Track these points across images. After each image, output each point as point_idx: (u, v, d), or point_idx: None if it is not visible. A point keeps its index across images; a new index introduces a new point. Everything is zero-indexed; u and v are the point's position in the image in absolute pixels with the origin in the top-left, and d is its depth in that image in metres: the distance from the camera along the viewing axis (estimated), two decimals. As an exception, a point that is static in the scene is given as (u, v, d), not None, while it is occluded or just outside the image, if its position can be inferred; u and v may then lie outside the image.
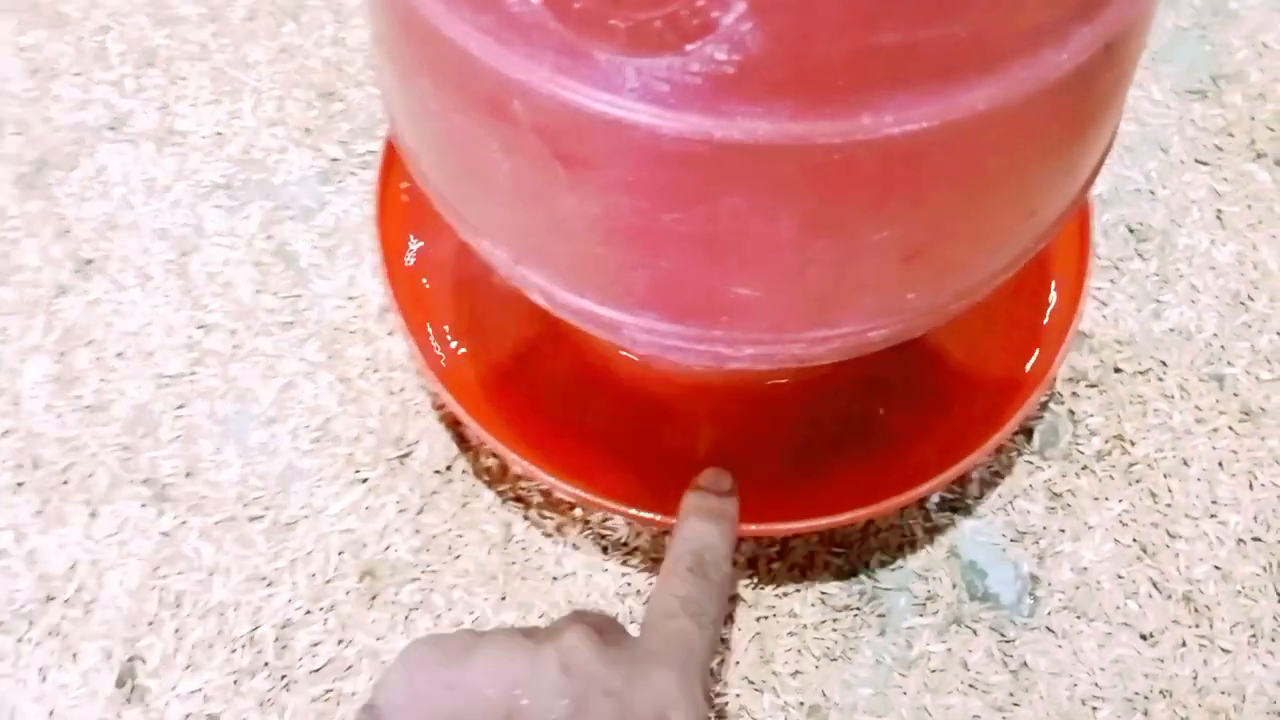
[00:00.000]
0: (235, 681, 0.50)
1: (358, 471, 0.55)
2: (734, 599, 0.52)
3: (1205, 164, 0.64)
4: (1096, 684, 0.50)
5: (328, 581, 0.52)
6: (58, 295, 0.59)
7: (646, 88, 0.28)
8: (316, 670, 0.50)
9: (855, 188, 0.30)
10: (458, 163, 0.36)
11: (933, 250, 0.33)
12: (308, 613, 0.52)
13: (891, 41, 0.26)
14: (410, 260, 0.56)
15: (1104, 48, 0.30)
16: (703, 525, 0.40)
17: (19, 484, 0.54)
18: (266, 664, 0.51)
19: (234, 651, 0.51)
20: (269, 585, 0.52)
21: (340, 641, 0.51)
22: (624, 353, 0.54)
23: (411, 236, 0.56)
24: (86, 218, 0.62)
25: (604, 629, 0.35)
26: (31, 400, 0.57)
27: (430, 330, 0.54)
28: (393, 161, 0.56)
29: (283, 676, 0.50)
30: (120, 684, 0.50)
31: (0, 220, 0.62)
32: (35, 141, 0.64)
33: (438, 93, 0.33)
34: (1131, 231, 0.62)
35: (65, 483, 0.55)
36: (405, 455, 0.55)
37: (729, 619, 0.51)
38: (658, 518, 0.50)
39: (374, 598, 0.52)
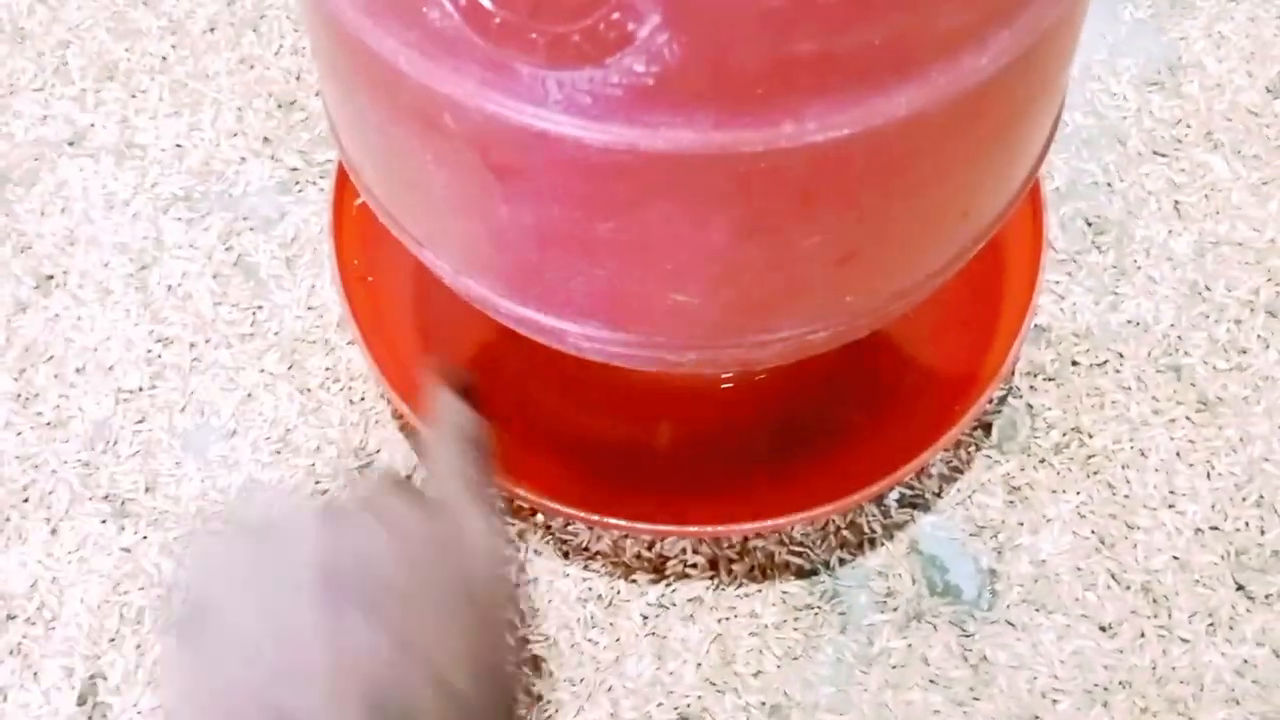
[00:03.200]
0: (198, 695, 0.50)
1: (319, 482, 0.55)
2: (695, 600, 0.52)
3: (1163, 155, 0.65)
4: (1056, 676, 0.51)
5: (290, 592, 0.52)
6: (18, 311, 0.59)
7: (570, 100, 0.28)
8: (280, 681, 0.50)
9: (783, 194, 0.30)
10: (398, 175, 0.37)
11: (867, 253, 0.34)
12: (271, 624, 0.52)
13: (807, 50, 0.27)
14: (366, 270, 0.56)
15: (1027, 50, 0.30)
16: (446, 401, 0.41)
17: (-21, 502, 0.54)
18: (229, 677, 0.51)
19: (197, 665, 0.51)
20: (232, 598, 0.52)
21: (304, 652, 0.51)
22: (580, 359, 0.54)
23: (367, 246, 0.56)
24: (47, 233, 0.62)
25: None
26: (-9, 418, 0.57)
27: (387, 340, 0.54)
28: (348, 172, 0.56)
29: (246, 689, 0.50)
30: (81, 702, 0.50)
31: (-41, 237, 0.62)
32: (-7, 158, 0.64)
33: (374, 107, 0.34)
34: (1089, 224, 0.62)
35: (25, 500, 0.55)
36: (366, 465, 0.55)
37: (690, 618, 0.52)
38: (619, 522, 0.50)
39: (337, 608, 0.52)
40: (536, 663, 0.51)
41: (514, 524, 0.54)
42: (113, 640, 0.51)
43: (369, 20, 0.30)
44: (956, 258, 0.37)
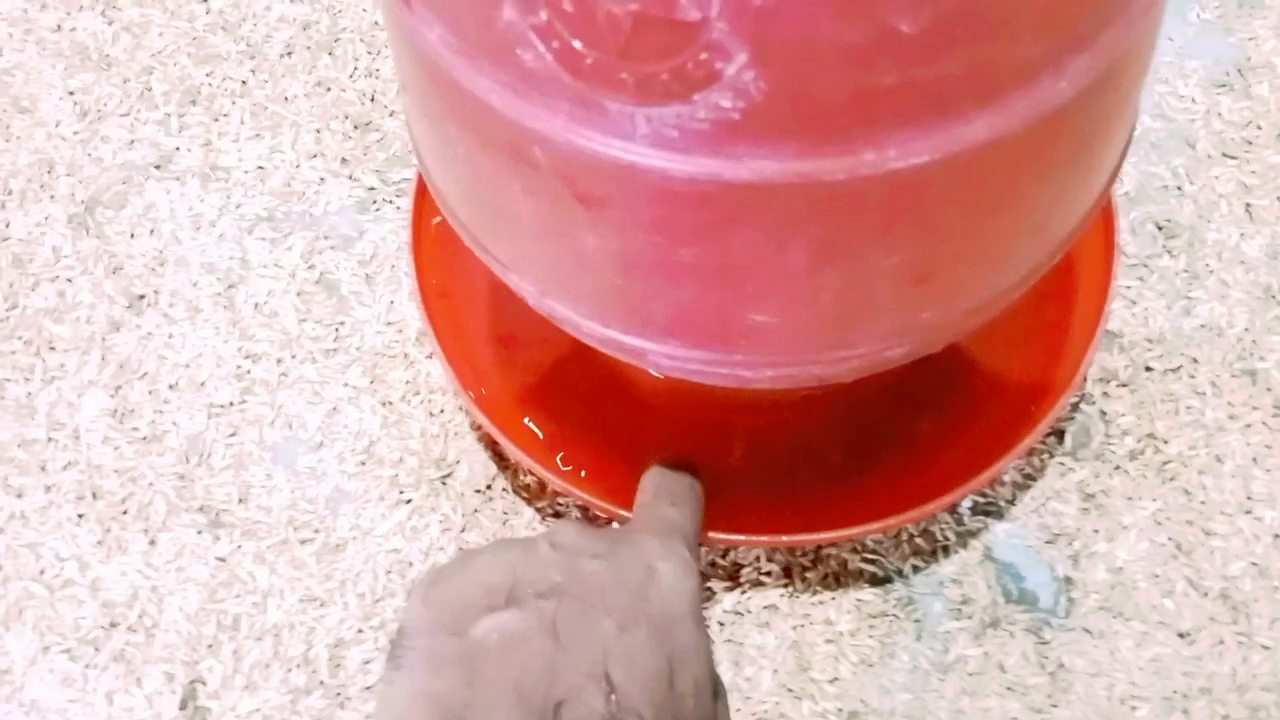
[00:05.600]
0: (292, 701, 0.52)
1: (402, 492, 0.57)
2: (770, 608, 0.53)
3: (1233, 158, 0.64)
4: (1134, 683, 0.51)
5: (377, 600, 0.54)
6: (111, 331, 0.62)
7: (657, 134, 0.29)
8: (369, 688, 0.52)
9: (863, 218, 0.31)
10: (484, 202, 0.38)
11: (944, 272, 0.34)
12: (359, 631, 0.54)
13: (890, 82, 0.27)
14: (444, 286, 0.57)
15: (1105, 72, 0.31)
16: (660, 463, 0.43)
17: (80, 515, 0.57)
18: (322, 683, 0.53)
19: (290, 671, 0.53)
20: (321, 606, 0.54)
21: (391, 658, 0.53)
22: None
23: (444, 263, 0.58)
24: (137, 254, 0.64)
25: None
26: (90, 433, 0.59)
27: (465, 353, 0.56)
28: (426, 190, 0.58)
29: (337, 694, 0.52)
30: (183, 706, 0.52)
31: (54, 259, 0.64)
32: (86, 182, 0.67)
33: (463, 139, 0.35)
34: (1160, 228, 0.62)
35: (125, 512, 0.57)
36: (447, 475, 0.57)
37: (766, 625, 0.53)
38: (693, 531, 0.51)
39: (422, 615, 0.54)
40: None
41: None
42: (210, 647, 0.54)
43: (463, 60, 0.31)
44: (1033, 272, 0.38)
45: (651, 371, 0.52)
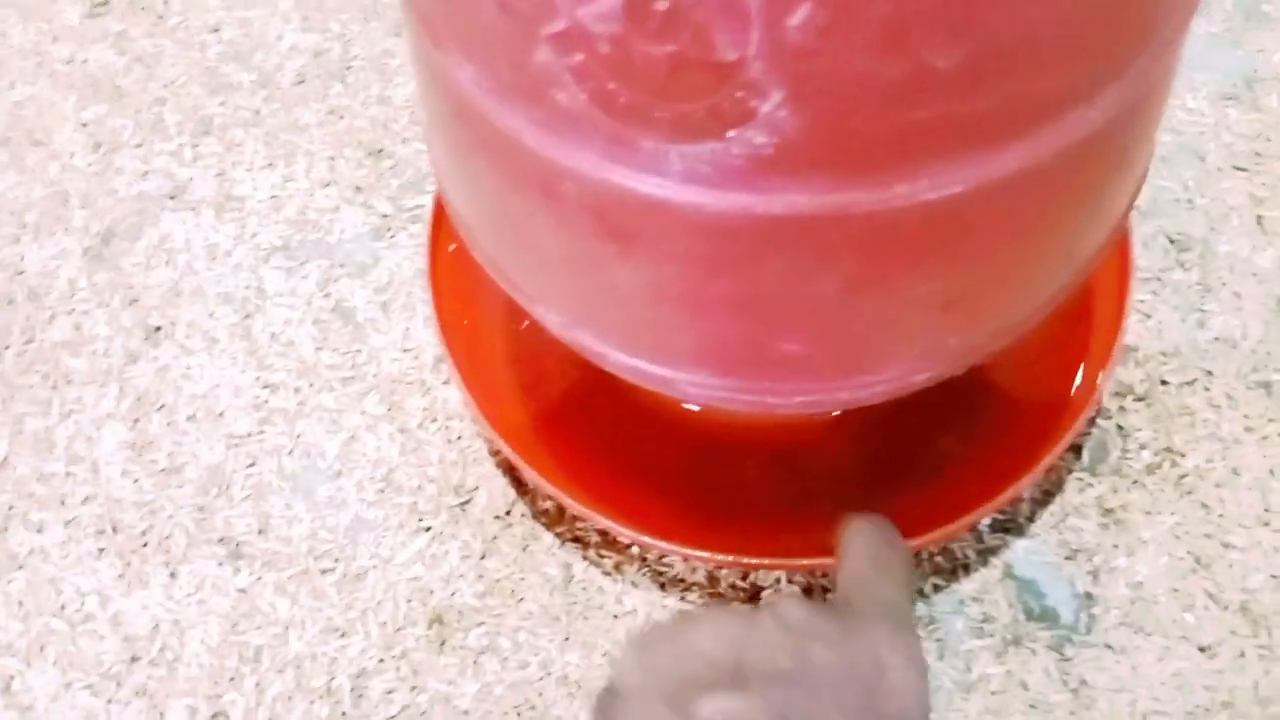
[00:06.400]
0: (317, 730, 0.52)
1: (421, 520, 0.57)
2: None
3: (1243, 170, 0.65)
4: (1157, 698, 0.51)
5: (398, 630, 0.54)
6: (129, 363, 0.62)
7: (690, 170, 0.29)
8: (392, 718, 0.52)
9: (894, 249, 0.31)
10: (511, 236, 0.38)
11: (972, 298, 0.35)
12: (380, 661, 0.54)
13: (923, 115, 0.28)
14: (461, 313, 0.58)
15: (1133, 101, 0.31)
16: (863, 520, 0.42)
17: (101, 549, 0.57)
18: (344, 714, 0.52)
19: (313, 703, 0.53)
20: (343, 636, 0.54)
21: (413, 688, 0.53)
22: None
23: (461, 290, 0.58)
24: (153, 285, 0.64)
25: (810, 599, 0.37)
26: (109, 466, 0.59)
27: (483, 380, 0.56)
28: (442, 217, 0.58)
29: (362, 724, 0.52)
30: (209, 738, 0.52)
31: (71, 292, 0.65)
32: (101, 214, 0.67)
33: (490, 175, 0.35)
34: (1172, 242, 0.63)
35: (145, 545, 0.57)
36: (466, 502, 0.57)
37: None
38: (712, 555, 0.51)
39: (443, 643, 0.54)
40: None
41: (611, 556, 0.56)
42: (233, 679, 0.54)
43: (493, 99, 0.32)
44: (1057, 294, 0.38)
45: (677, 399, 0.52)
